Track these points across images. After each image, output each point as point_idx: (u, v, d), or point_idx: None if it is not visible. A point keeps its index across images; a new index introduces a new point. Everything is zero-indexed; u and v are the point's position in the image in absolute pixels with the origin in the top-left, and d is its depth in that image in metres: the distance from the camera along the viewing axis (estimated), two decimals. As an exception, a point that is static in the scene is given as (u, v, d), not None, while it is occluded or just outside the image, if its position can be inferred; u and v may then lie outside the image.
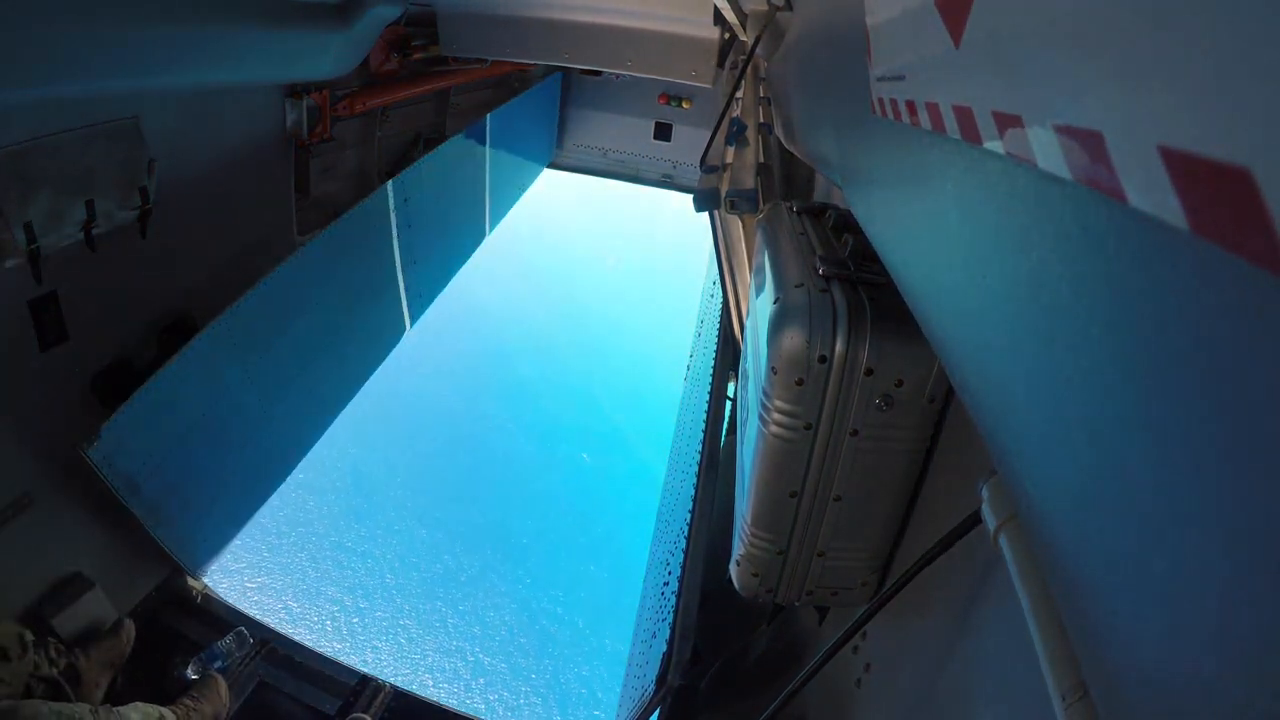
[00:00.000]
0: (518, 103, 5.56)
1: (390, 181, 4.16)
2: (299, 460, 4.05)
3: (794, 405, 1.22)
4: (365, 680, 3.23)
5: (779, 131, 2.39)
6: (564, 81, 6.42)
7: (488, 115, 5.18)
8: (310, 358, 3.82)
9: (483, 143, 5.32)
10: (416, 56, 4.22)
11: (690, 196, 2.40)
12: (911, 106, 0.61)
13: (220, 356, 3.12)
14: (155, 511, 2.98)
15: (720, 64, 3.72)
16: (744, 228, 3.28)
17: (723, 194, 2.24)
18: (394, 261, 4.49)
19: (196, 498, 3.21)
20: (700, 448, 3.83)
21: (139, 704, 2.44)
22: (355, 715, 3.02)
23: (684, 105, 6.11)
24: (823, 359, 1.18)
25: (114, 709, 2.33)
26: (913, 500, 1.38)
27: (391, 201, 4.23)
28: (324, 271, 3.74)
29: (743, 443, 1.56)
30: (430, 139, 5.03)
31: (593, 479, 19.50)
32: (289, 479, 4.06)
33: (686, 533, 3.11)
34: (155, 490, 2.87)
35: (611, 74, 5.92)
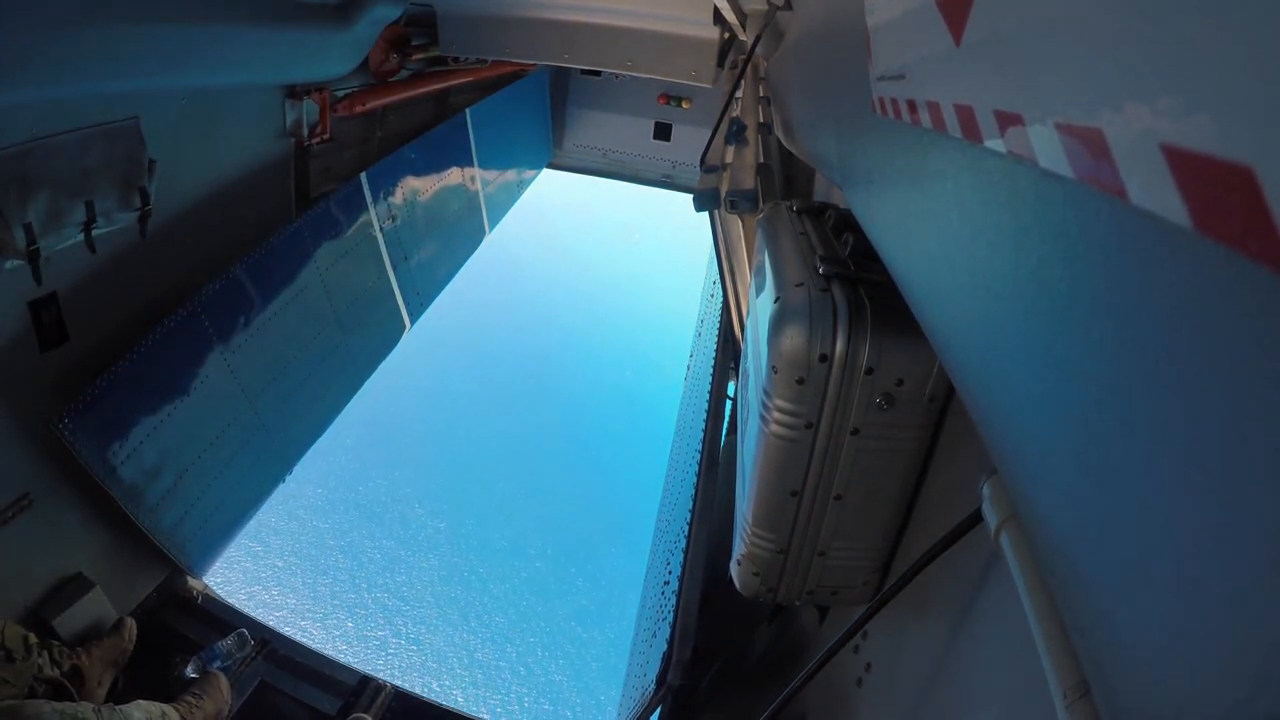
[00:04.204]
0: (499, 98, 5.53)
1: (364, 174, 4.13)
2: (297, 460, 4.05)
3: (795, 404, 1.22)
4: (366, 680, 3.23)
5: (779, 131, 2.39)
6: (564, 81, 6.42)
7: (466, 110, 5.17)
8: (298, 352, 3.81)
9: (465, 138, 5.31)
10: (416, 57, 4.22)
11: (690, 196, 2.39)
12: (912, 105, 0.61)
13: (198, 338, 3.11)
14: (154, 511, 2.98)
15: (720, 64, 3.72)
16: (744, 228, 3.28)
17: (723, 194, 2.23)
18: (381, 258, 4.48)
19: (194, 496, 3.21)
20: (700, 448, 3.83)
21: (141, 702, 2.45)
22: (356, 715, 3.02)
23: (683, 105, 6.11)
24: (823, 358, 1.18)
25: (116, 707, 2.33)
26: (913, 500, 1.38)
27: (369, 196, 4.22)
28: (301, 264, 3.73)
29: (743, 442, 1.55)
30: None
31: (635, 390, 26.07)
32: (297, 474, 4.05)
33: (686, 533, 3.10)
34: (138, 476, 2.86)
35: (611, 74, 5.92)
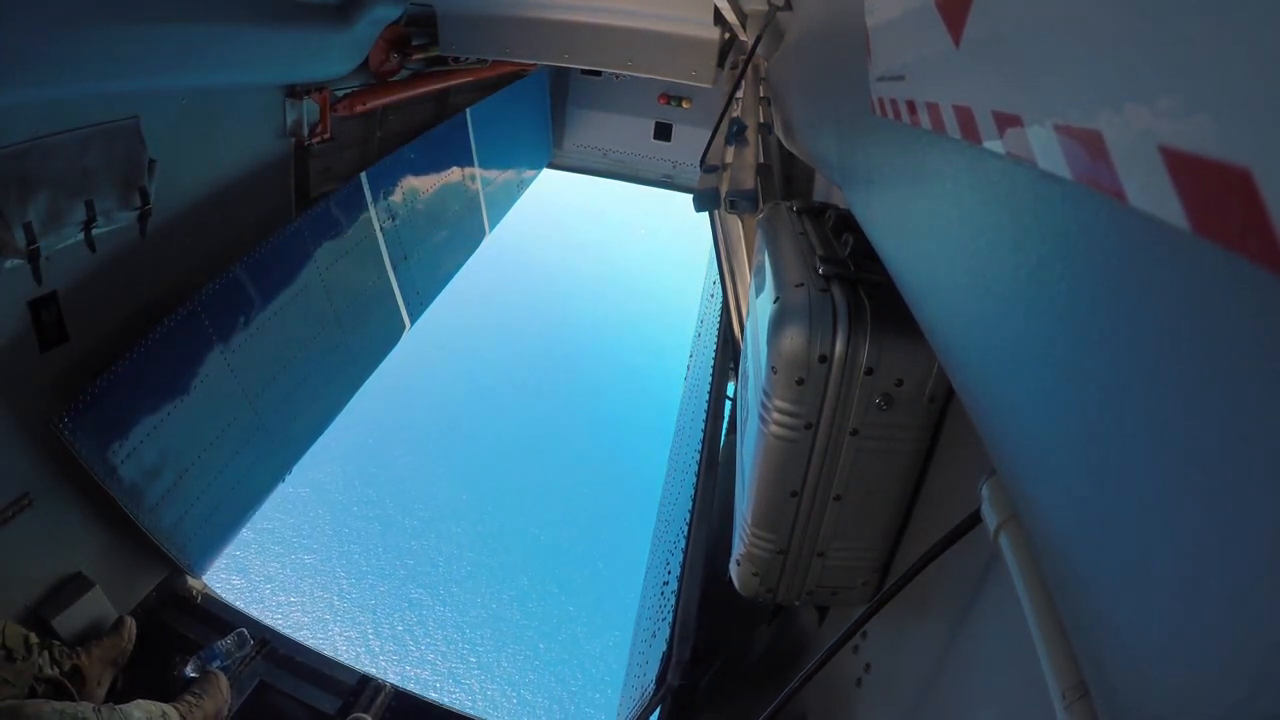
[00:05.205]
0: (499, 98, 5.54)
1: (364, 174, 4.13)
2: (296, 459, 4.05)
3: (794, 405, 1.22)
4: (365, 680, 3.24)
5: (779, 131, 2.39)
6: (564, 81, 6.42)
7: (466, 110, 5.17)
8: (298, 352, 3.81)
9: (465, 138, 5.31)
10: (416, 56, 4.22)
11: (690, 196, 2.39)
12: (911, 106, 0.61)
13: (197, 338, 3.11)
14: (154, 510, 2.98)
15: (720, 64, 3.72)
16: (744, 228, 3.28)
17: (723, 194, 2.23)
18: (381, 257, 4.48)
19: (194, 496, 3.21)
20: (700, 448, 3.83)
21: (141, 701, 2.45)
22: (355, 715, 3.02)
23: (684, 105, 6.11)
24: (823, 359, 1.18)
25: (116, 707, 2.33)
26: (913, 500, 1.38)
27: (369, 196, 4.22)
28: (301, 263, 3.73)
29: (743, 442, 1.56)
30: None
31: (640, 371, 27.95)
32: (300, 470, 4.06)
33: (686, 533, 3.11)
34: (138, 476, 2.85)
35: (611, 74, 5.92)
